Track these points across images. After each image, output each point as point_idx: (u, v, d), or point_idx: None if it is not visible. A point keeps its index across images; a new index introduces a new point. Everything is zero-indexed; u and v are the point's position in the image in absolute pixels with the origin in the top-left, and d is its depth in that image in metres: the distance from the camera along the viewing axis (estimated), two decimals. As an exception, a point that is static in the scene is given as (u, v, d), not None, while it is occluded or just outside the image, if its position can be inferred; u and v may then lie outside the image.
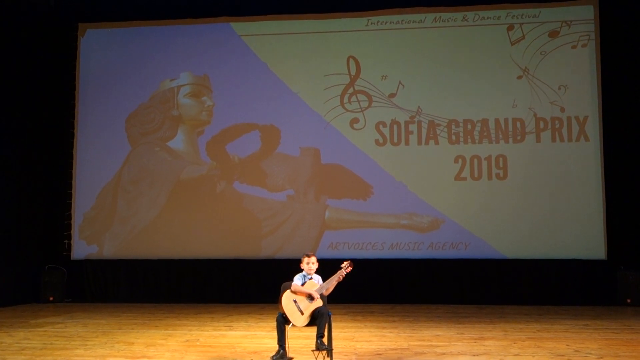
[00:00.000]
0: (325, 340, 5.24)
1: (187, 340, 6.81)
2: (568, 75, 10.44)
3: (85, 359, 5.74)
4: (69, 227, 11.42)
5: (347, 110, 10.90)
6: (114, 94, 11.56)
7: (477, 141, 10.56)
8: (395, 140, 10.74)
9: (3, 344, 6.60)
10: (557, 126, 10.41)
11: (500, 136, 10.53)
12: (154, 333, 7.35)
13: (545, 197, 10.27)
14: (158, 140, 11.40)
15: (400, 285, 10.42)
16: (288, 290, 5.36)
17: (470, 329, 7.43)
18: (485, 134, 10.56)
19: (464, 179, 10.51)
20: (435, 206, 10.48)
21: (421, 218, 10.52)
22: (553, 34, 10.53)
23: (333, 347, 5.46)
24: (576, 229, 10.12)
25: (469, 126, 10.62)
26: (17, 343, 6.65)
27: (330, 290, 5.48)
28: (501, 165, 10.45)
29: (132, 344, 6.61)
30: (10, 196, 10.62)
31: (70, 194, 11.48)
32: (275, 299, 5.50)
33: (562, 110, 10.41)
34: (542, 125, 10.45)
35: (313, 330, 5.25)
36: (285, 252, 10.67)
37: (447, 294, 10.23)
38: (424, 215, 10.51)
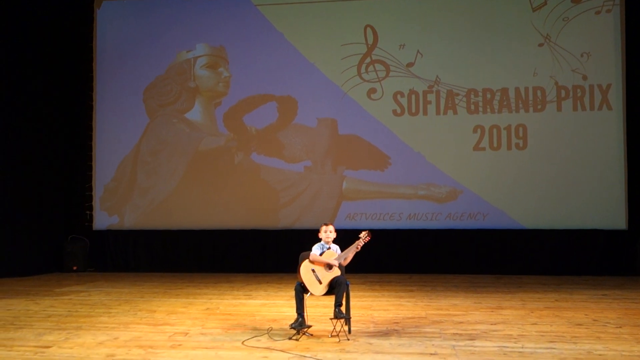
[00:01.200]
0: (343, 309, 5.30)
1: (208, 309, 6.94)
2: (591, 42, 10.21)
3: (109, 326, 5.89)
4: (90, 198, 11.61)
5: (365, 81, 10.82)
6: (131, 65, 11.59)
7: (496, 111, 10.44)
8: (413, 110, 10.66)
9: (30, 311, 6.79)
10: (579, 95, 10.24)
11: (520, 105, 10.39)
12: (175, 301, 7.49)
13: (566, 167, 10.16)
14: (175, 112, 11.45)
15: (418, 255, 10.45)
16: (306, 260, 5.40)
17: (488, 299, 7.45)
18: (505, 103, 10.43)
19: (483, 149, 10.42)
20: (454, 176, 10.44)
21: (439, 188, 10.49)
22: (576, 0, 10.28)
23: (351, 315, 5.53)
24: (597, 198, 10.03)
25: (488, 95, 10.49)
26: (43, 310, 6.83)
27: (349, 260, 5.52)
28: (521, 135, 10.34)
29: (154, 311, 6.75)
30: (32, 169, 10.78)
31: (91, 166, 11.64)
32: (294, 269, 5.56)
33: (585, 78, 10.23)
34: (563, 93, 10.28)
35: (331, 300, 5.31)
36: (303, 223, 10.74)
37: (465, 264, 10.24)
38: (441, 185, 10.48)
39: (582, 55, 10.24)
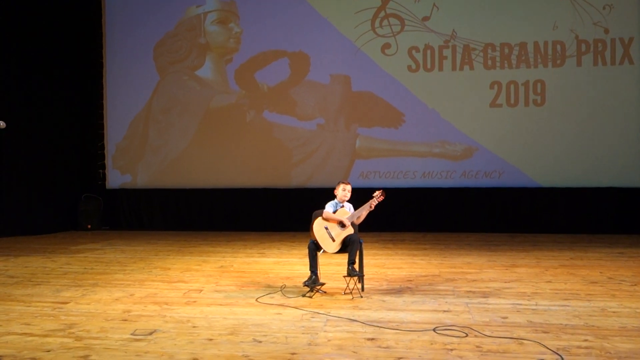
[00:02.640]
0: (356, 266, 5.34)
1: (222, 266, 7.04)
2: (614, -7, 9.93)
3: (124, 283, 6.00)
4: (102, 157, 11.69)
5: (379, 35, 10.63)
6: (141, 22, 11.48)
7: (514, 66, 10.25)
8: (429, 66, 10.50)
9: (47, 268, 6.93)
10: (600, 49, 10.00)
11: (539, 60, 10.18)
12: (189, 259, 7.61)
13: (584, 123, 10.03)
14: (186, 69, 11.38)
15: (432, 213, 10.47)
16: (319, 217, 5.42)
17: (502, 257, 7.48)
18: (523, 58, 10.23)
19: (500, 105, 10.28)
20: (469, 134, 10.35)
21: (454, 146, 10.42)
22: (600, -51, 9.94)
23: (364, 273, 5.58)
24: (614, 156, 9.91)
25: (506, 50, 10.28)
26: (60, 267, 6.97)
27: (362, 219, 5.52)
28: (539, 90, 10.17)
29: (169, 269, 6.86)
30: (45, 128, 10.84)
31: (102, 124, 11.67)
32: (306, 228, 5.58)
33: (606, 31, 9.97)
34: (583, 48, 10.05)
35: (344, 257, 5.35)
36: (316, 182, 10.77)
37: (479, 223, 10.26)
38: (456, 143, 10.41)
39: (604, 8, 9.95)
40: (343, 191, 5.53)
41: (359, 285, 5.37)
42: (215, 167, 11.26)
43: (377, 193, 5.57)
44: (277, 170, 11.04)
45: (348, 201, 5.60)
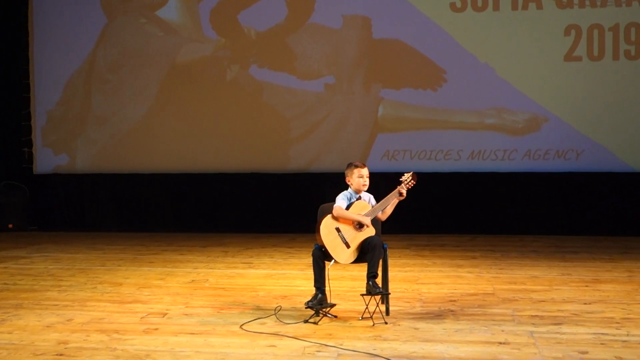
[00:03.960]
0: (379, 281, 5.33)
1: (193, 281, 7.02)
2: None
3: (60, 304, 5.99)
4: (28, 130, 11.68)
5: (410, -39, 10.60)
6: (80, -58, 11.46)
7: (598, 4, 10.18)
8: (480, 3, 10.44)
9: (-47, 283, 6.96)
10: None
11: (634, -5, 10.14)
12: (148, 271, 7.59)
13: (696, 84, 10.00)
14: (143, 8, 11.35)
15: (484, 208, 10.45)
16: (329, 216, 5.39)
17: (581, 269, 7.45)
18: (611, -8, 10.19)
19: (578, 58, 10.22)
20: (535, 98, 10.30)
21: (514, 115, 10.37)
22: None
23: (390, 290, 5.56)
24: None
25: (588, -19, 10.24)
26: (-30, 283, 7.00)
27: (388, 214, 5.49)
28: (633, 38, 10.11)
29: (120, 284, 6.84)
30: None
31: (28, 85, 11.66)
32: (311, 228, 5.56)
33: None
34: (696, -22, 10.00)
35: (362, 269, 5.33)
36: (323, 164, 10.77)
37: (549, 221, 10.24)
38: (518, 111, 10.36)
39: None
40: (359, 177, 5.48)
41: (383, 308, 5.37)
42: (184, 144, 11.24)
43: (406, 176, 5.54)
44: (269, 148, 11.03)
45: (367, 191, 5.58)
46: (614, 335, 4.81)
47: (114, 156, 11.48)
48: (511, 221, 10.34)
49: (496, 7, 10.42)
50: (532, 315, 5.41)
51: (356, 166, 5.50)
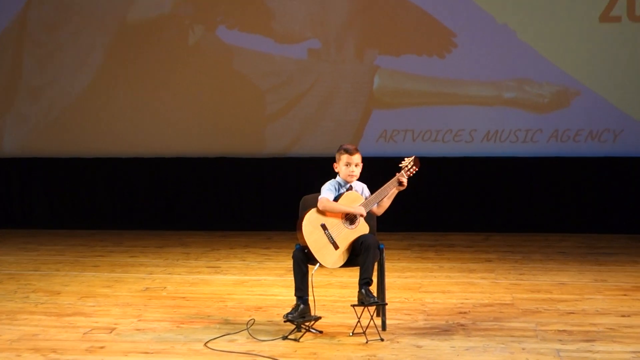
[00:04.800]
0: (373, 289, 5.35)
1: (147, 289, 7.03)
2: None
3: (-16, 317, 6.01)
4: (-59, 104, 11.65)
5: None
6: None
7: (641, -48, 10.26)
8: (498, -49, 10.49)
9: None
10: None
11: (685, -59, 10.20)
12: (93, 277, 7.59)
13: None
14: (86, -45, 11.31)
15: (500, 201, 10.50)
16: (313, 210, 5.40)
17: (618, 274, 7.49)
18: (657, -63, 10.24)
19: (617, 18, 10.26)
20: (565, 68, 10.34)
21: (539, 88, 10.41)
22: None
23: (387, 300, 5.58)
24: None
25: None
26: None
27: (385, 207, 5.50)
28: (683, -6, 10.20)
29: (59, 293, 6.83)
30: None
31: (-59, 47, 11.62)
32: (290, 227, 5.58)
33: None
34: None
35: (354, 274, 5.34)
36: (305, 147, 10.79)
37: (580, 217, 10.30)
38: (543, 83, 10.41)
39: None
40: (347, 166, 5.47)
41: (378, 321, 5.39)
42: (135, 123, 11.22)
43: (406, 161, 5.55)
44: (240, 127, 11.03)
45: (359, 180, 5.59)
46: (658, 354, 4.86)
47: (50, 137, 11.44)
48: (534, 216, 10.40)
49: (517, -44, 10.46)
50: (559, 331, 5.44)
51: (346, 150, 5.45)
